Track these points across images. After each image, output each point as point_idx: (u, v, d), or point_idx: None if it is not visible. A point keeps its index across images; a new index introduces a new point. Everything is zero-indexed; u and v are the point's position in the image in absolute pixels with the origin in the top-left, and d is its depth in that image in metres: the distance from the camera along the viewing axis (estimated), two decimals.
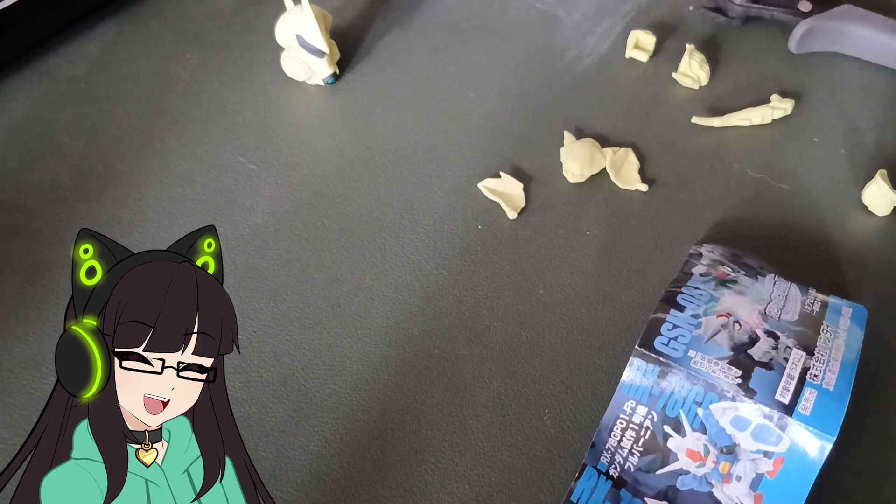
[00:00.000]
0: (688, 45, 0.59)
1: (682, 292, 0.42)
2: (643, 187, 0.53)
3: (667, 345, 0.39)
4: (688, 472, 0.38)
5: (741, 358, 0.38)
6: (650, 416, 0.39)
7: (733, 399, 0.38)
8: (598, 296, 0.48)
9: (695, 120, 0.56)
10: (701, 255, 0.46)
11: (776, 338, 0.39)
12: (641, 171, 0.54)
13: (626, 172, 0.54)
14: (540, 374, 0.45)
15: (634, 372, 0.39)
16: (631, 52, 0.60)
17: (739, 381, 0.38)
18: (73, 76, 0.61)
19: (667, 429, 0.39)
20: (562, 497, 0.40)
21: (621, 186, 0.53)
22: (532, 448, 0.43)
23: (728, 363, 0.38)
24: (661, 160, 0.55)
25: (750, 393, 0.37)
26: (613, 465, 0.40)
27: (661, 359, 0.39)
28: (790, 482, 0.37)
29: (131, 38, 0.64)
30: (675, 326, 0.40)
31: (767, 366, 0.38)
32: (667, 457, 0.39)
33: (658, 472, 0.39)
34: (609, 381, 0.44)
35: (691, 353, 0.39)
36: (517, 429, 0.43)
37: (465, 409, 0.44)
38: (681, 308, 0.41)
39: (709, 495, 0.38)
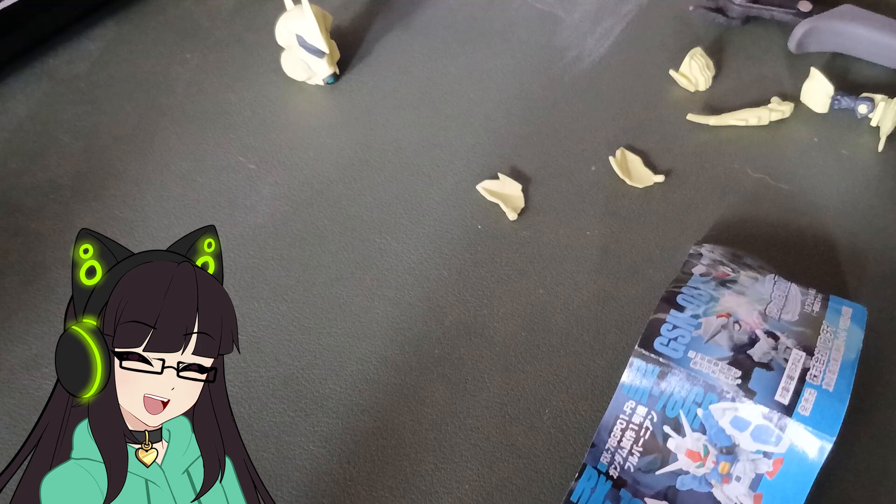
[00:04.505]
0: (694, 49, 0.58)
1: (682, 292, 0.42)
2: (660, 178, 0.53)
3: (666, 345, 0.39)
4: (687, 473, 0.38)
5: (741, 358, 0.39)
6: (650, 417, 0.39)
7: (733, 400, 0.38)
8: (598, 296, 0.48)
9: (690, 117, 0.56)
10: (701, 255, 0.46)
11: (776, 338, 0.39)
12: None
13: (636, 170, 0.54)
14: (540, 374, 0.45)
15: (634, 372, 0.40)
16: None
17: (739, 381, 0.38)
18: (73, 76, 0.61)
19: (666, 429, 0.39)
20: (562, 497, 0.40)
21: (640, 187, 0.53)
22: (532, 448, 0.43)
23: (728, 364, 0.38)
24: (661, 160, 0.55)
25: (750, 394, 0.38)
26: (613, 466, 0.40)
27: (660, 359, 0.39)
28: (790, 483, 0.37)
29: (131, 38, 0.64)
30: (674, 327, 0.40)
31: (767, 366, 0.38)
32: (666, 457, 0.39)
33: (658, 473, 0.39)
34: (609, 381, 0.44)
35: (691, 353, 0.39)
36: (517, 429, 0.43)
37: (466, 409, 0.44)
38: (681, 308, 0.41)
39: (708, 495, 0.38)
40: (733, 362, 0.38)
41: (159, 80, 0.61)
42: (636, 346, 0.40)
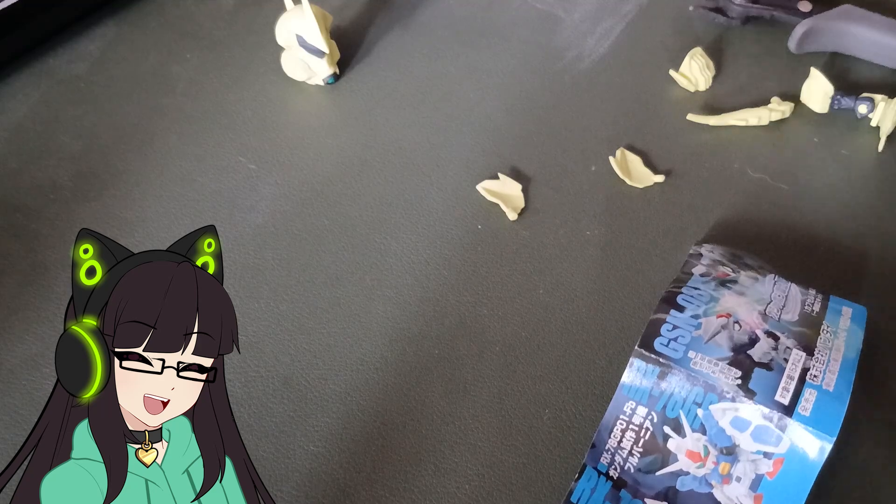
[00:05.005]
0: (694, 49, 0.59)
1: (682, 293, 0.42)
2: (660, 178, 0.53)
3: (667, 345, 0.39)
4: (688, 473, 0.38)
5: (741, 358, 0.39)
6: (650, 417, 0.39)
7: (733, 400, 0.38)
8: (598, 296, 0.48)
9: (690, 118, 0.56)
10: (701, 255, 0.46)
11: (776, 338, 0.39)
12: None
13: (636, 170, 0.54)
14: (540, 373, 0.45)
15: (634, 373, 0.39)
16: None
17: (739, 381, 0.38)
18: (73, 76, 0.61)
19: (667, 429, 0.39)
20: (562, 497, 0.40)
21: (640, 187, 0.53)
22: (532, 448, 0.43)
23: (728, 364, 0.38)
24: (661, 160, 0.55)
25: (750, 394, 0.38)
26: (613, 466, 0.40)
27: (660, 360, 0.39)
28: (790, 483, 0.37)
29: (131, 38, 0.64)
30: (675, 327, 0.40)
31: (767, 366, 0.38)
32: (666, 458, 0.39)
33: (658, 473, 0.39)
34: (609, 380, 0.44)
35: (691, 353, 0.39)
36: (517, 429, 0.43)
37: (465, 409, 0.44)
38: (681, 308, 0.41)
39: (709, 496, 0.38)
40: (733, 362, 0.38)
41: (159, 80, 0.61)
42: (636, 347, 0.40)
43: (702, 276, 0.43)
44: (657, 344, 0.40)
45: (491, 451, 0.43)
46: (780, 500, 0.37)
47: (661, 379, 0.39)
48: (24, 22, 0.61)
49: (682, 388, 0.39)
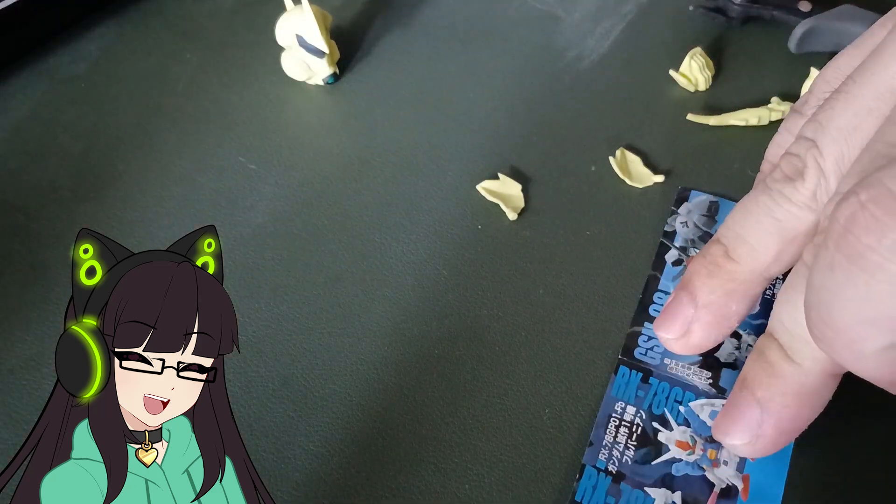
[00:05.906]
0: (694, 49, 0.59)
1: (654, 302, 0.46)
2: (660, 178, 0.53)
3: (644, 355, 0.43)
4: (680, 460, 0.41)
5: (710, 361, 0.42)
6: (639, 415, 0.42)
7: (708, 396, 0.42)
8: (599, 296, 0.48)
9: (690, 117, 0.56)
10: (675, 233, 0.49)
11: (738, 337, 0.43)
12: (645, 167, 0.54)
13: (636, 170, 0.54)
14: (540, 374, 0.45)
15: (620, 377, 0.43)
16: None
17: (711, 381, 0.42)
18: (73, 76, 0.61)
19: (655, 424, 0.42)
20: (562, 497, 0.40)
21: (640, 187, 0.53)
22: (532, 448, 0.43)
23: (699, 367, 0.42)
24: (661, 160, 0.55)
25: (720, 391, 0.41)
26: (612, 461, 0.41)
27: (641, 365, 0.43)
28: (770, 462, 0.40)
29: (131, 38, 0.64)
30: (649, 338, 0.44)
31: (733, 366, 0.42)
32: (659, 448, 0.41)
33: (653, 463, 0.41)
34: (609, 381, 0.44)
35: (667, 360, 0.43)
36: (517, 429, 0.43)
37: (465, 409, 0.44)
38: (653, 320, 0.44)
39: (702, 478, 0.40)
40: (703, 365, 0.42)
41: (159, 80, 0.61)
42: (619, 355, 0.44)
43: (673, 264, 0.47)
44: (637, 353, 0.44)
45: (491, 451, 0.43)
46: (764, 477, 0.40)
47: (644, 381, 0.43)
48: (24, 22, 0.61)
49: (663, 389, 0.42)
